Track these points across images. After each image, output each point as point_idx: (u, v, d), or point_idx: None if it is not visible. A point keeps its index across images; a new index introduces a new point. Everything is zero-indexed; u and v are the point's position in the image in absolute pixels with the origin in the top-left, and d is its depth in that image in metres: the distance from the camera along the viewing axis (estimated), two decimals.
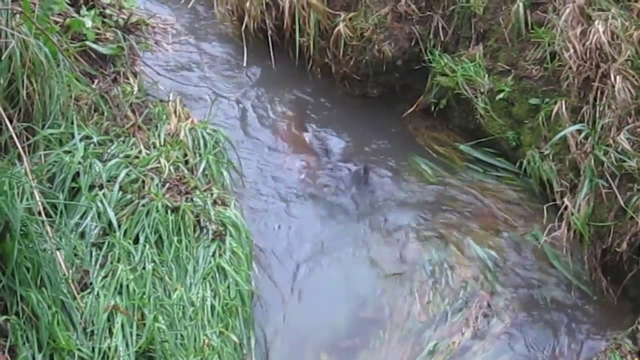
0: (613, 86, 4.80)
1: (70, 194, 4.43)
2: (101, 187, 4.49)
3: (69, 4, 5.43)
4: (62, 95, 4.69)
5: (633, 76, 4.78)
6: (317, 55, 6.26)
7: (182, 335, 3.93)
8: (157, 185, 4.65)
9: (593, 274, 4.80)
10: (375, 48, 6.03)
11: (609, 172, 4.68)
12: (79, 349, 3.59)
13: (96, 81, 5.31)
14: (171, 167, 4.86)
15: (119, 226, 4.34)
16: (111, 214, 4.36)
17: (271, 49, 6.32)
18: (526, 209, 5.30)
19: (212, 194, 4.85)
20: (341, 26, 6.09)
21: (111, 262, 4.12)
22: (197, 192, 4.79)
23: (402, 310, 4.65)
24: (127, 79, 5.54)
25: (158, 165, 4.84)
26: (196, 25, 6.79)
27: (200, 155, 5.13)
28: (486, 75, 5.65)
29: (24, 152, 4.24)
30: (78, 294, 3.85)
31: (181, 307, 4.05)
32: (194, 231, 4.56)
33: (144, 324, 3.81)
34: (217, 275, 4.39)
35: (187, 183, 4.82)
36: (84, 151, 4.61)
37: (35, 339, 3.48)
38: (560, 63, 5.26)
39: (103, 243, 4.24)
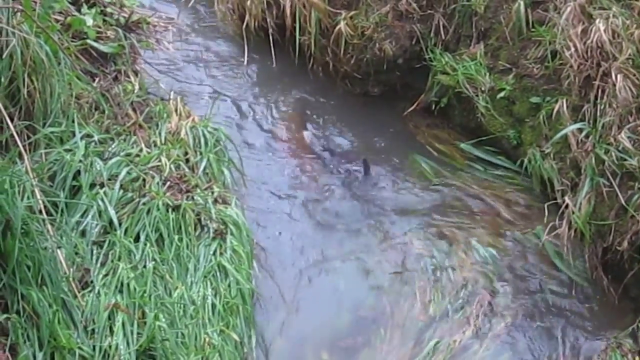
0: (614, 85, 4.80)
1: (71, 193, 4.44)
2: (102, 185, 4.49)
3: (69, 3, 5.45)
4: (63, 93, 4.69)
5: (634, 75, 4.78)
6: (318, 54, 6.26)
7: (182, 334, 3.94)
8: (157, 183, 4.66)
9: (594, 272, 4.80)
10: (376, 46, 6.03)
11: (610, 170, 4.68)
12: (79, 348, 3.59)
13: (97, 79, 5.32)
14: (172, 166, 4.87)
15: (120, 224, 4.34)
16: (112, 212, 4.36)
17: (272, 48, 6.32)
18: (527, 208, 5.30)
19: (212, 193, 4.86)
20: (342, 25, 6.09)
21: (112, 261, 4.13)
22: (198, 190, 4.79)
23: (403, 309, 4.64)
24: (128, 77, 5.54)
25: (159, 163, 4.84)
26: (197, 24, 6.78)
27: (201, 153, 5.13)
28: (487, 74, 5.65)
29: (25, 150, 4.23)
30: (79, 292, 3.85)
31: (182, 305, 4.05)
32: (195, 230, 4.56)
33: (145, 323, 3.81)
34: (217, 273, 4.39)
35: (187, 181, 4.82)
36: (85, 149, 4.62)
37: (36, 337, 3.48)
38: (561, 62, 5.26)
39: (104, 241, 4.25)
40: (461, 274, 4.83)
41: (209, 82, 6.19)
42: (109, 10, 5.79)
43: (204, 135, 5.24)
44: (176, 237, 4.43)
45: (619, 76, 4.79)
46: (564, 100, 5.17)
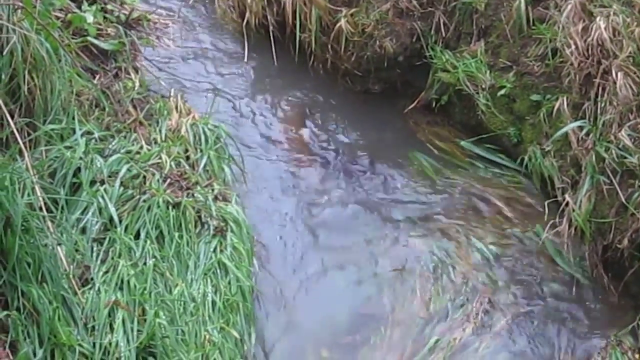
0: (614, 82, 4.79)
1: (72, 190, 4.44)
2: (102, 182, 4.49)
3: (70, 0, 5.44)
4: (63, 90, 4.69)
5: (634, 72, 4.77)
6: (318, 51, 6.25)
7: (183, 331, 3.93)
8: (158, 180, 4.66)
9: (594, 270, 4.80)
10: (377, 44, 6.03)
11: (610, 168, 4.68)
12: (79, 345, 3.59)
13: (97, 77, 5.32)
14: (172, 163, 4.87)
15: (120, 222, 4.34)
16: (112, 209, 4.36)
17: (272, 45, 6.32)
18: (527, 206, 5.30)
19: (213, 190, 4.86)
20: (342, 22, 6.09)
21: (112, 258, 4.12)
22: (198, 187, 4.79)
23: (403, 306, 4.64)
24: (129, 74, 5.54)
25: (159, 160, 4.84)
26: (198, 21, 6.77)
27: (201, 150, 5.13)
28: (487, 72, 5.65)
29: (25, 147, 4.23)
30: (79, 289, 3.85)
31: (182, 302, 4.05)
32: (195, 227, 4.56)
33: (145, 320, 3.81)
34: (218, 271, 4.39)
35: (188, 179, 4.83)
36: (85, 147, 4.62)
37: (36, 334, 3.48)
38: (561, 59, 5.26)
39: (104, 238, 4.24)
40: (461, 271, 4.83)
41: (210, 79, 6.18)
42: (109, 7, 5.80)
43: (205, 133, 5.24)
44: (176, 234, 4.43)
45: (619, 74, 4.79)
46: (565, 98, 5.17)
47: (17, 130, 4.26)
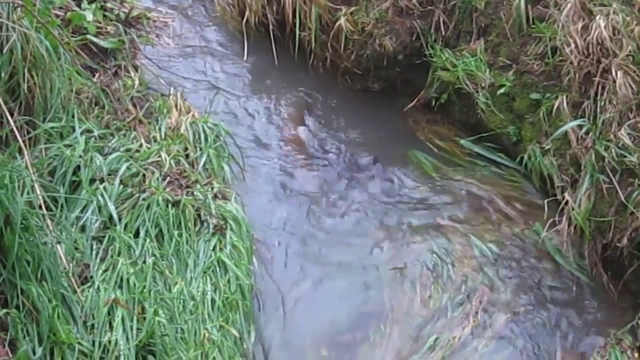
0: (614, 81, 4.80)
1: (71, 188, 4.44)
2: (102, 180, 4.49)
3: None
4: (63, 88, 4.69)
5: (634, 71, 4.77)
6: (318, 50, 6.25)
7: (182, 329, 3.93)
8: (157, 179, 4.66)
9: (593, 269, 4.81)
10: (377, 42, 6.03)
11: (610, 167, 4.68)
12: (79, 343, 3.59)
13: (97, 75, 5.32)
14: (172, 161, 4.87)
15: (120, 220, 4.34)
16: (112, 207, 4.36)
17: (272, 43, 6.32)
18: (527, 204, 5.30)
19: (212, 188, 4.86)
20: (342, 20, 6.09)
21: (112, 256, 4.13)
22: (198, 186, 4.79)
23: (402, 305, 4.65)
24: (128, 72, 5.54)
25: (159, 159, 4.84)
26: (197, 19, 6.77)
27: (201, 149, 5.13)
28: (487, 70, 5.65)
29: (25, 145, 4.23)
30: (78, 287, 3.85)
31: (181, 301, 4.05)
32: (195, 225, 4.56)
33: (144, 318, 3.80)
34: (217, 269, 4.39)
35: (187, 177, 4.82)
36: (85, 145, 4.61)
37: (35, 332, 3.48)
38: (561, 58, 5.25)
39: (103, 237, 4.24)
40: (461, 270, 4.84)
41: (209, 77, 6.18)
42: (109, 5, 5.79)
43: (204, 131, 5.24)
44: (176, 232, 4.43)
45: (619, 73, 4.79)
46: (564, 97, 5.17)
47: (17, 128, 4.26)
